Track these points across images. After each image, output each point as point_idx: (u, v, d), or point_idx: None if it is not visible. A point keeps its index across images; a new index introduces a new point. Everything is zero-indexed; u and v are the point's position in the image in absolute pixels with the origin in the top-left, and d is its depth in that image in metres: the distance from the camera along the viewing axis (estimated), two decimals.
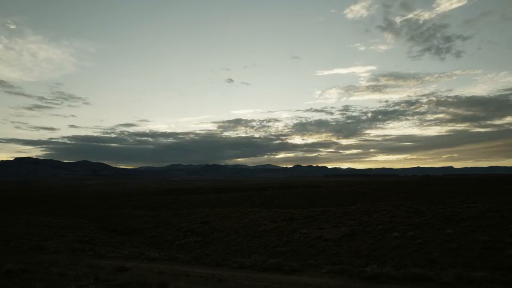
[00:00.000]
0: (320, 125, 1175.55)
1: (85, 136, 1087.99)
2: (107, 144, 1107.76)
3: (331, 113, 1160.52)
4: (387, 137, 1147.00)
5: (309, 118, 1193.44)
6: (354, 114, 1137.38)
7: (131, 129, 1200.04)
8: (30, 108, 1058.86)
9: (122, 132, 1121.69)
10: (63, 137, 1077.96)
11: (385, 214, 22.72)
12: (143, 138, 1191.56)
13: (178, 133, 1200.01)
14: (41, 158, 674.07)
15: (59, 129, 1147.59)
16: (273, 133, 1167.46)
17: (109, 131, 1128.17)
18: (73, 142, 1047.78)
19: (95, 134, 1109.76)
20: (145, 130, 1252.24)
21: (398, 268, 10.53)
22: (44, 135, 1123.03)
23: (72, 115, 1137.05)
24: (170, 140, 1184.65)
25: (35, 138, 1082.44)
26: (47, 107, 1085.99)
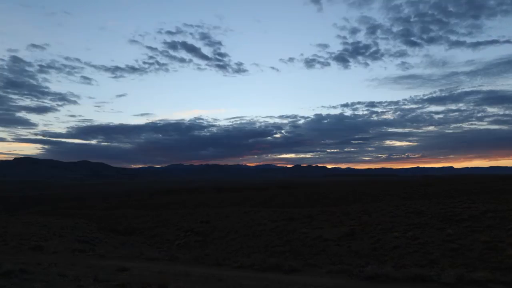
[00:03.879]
0: (325, 125, 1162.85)
1: (73, 133, 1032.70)
2: (101, 143, 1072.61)
3: (355, 109, 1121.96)
4: (389, 136, 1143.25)
5: (317, 117, 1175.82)
6: (375, 109, 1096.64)
7: (130, 126, 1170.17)
8: None
9: (119, 130, 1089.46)
10: (43, 133, 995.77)
11: (385, 214, 22.68)
12: (143, 136, 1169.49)
13: (181, 131, 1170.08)
14: (41, 158, 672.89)
15: (36, 124, 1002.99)
16: (275, 132, 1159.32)
17: (104, 128, 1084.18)
18: (59, 140, 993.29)
19: (88, 132, 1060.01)
20: (145, 127, 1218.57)
21: (398, 268, 10.51)
22: (20, 132, 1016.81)
23: (55, 109, 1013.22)
24: (172, 138, 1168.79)
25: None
26: (13, 99, 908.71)
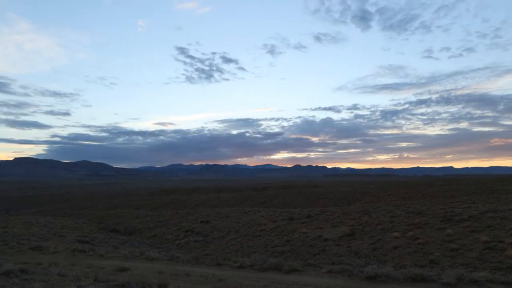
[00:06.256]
0: (324, 125, 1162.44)
1: (79, 134, 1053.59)
2: (103, 143, 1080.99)
3: (339, 111, 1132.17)
4: (388, 137, 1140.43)
5: (315, 117, 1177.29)
6: (361, 113, 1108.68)
7: (130, 128, 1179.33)
8: (16, 105, 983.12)
9: (119, 131, 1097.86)
10: (54, 136, 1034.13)
11: (385, 214, 22.67)
12: (143, 137, 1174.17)
13: (181, 132, 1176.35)
14: (41, 158, 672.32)
15: (51, 127, 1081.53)
16: (274, 132, 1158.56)
17: (105, 129, 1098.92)
18: (66, 141, 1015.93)
19: (91, 133, 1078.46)
20: (144, 128, 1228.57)
21: (398, 268, 10.52)
22: (33, 134, 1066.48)
23: (65, 112, 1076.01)
24: (171, 138, 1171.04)
25: (24, 137, 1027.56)
26: (33, 104, 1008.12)
